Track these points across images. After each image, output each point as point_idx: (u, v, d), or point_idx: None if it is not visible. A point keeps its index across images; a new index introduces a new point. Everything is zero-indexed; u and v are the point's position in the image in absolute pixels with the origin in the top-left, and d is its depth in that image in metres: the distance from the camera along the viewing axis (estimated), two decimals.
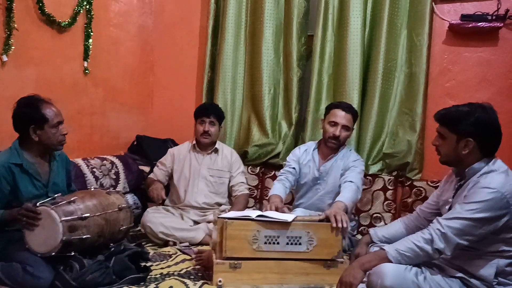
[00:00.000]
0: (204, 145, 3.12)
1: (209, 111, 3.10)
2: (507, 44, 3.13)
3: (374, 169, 3.32)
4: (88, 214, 2.10)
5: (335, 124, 2.76)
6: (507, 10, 3.02)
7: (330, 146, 2.82)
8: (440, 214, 2.06)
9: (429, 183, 3.14)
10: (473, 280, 1.80)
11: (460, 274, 1.82)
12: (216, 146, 3.17)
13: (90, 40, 3.11)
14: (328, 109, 2.85)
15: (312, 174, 2.86)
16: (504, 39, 3.13)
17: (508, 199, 1.73)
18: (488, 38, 3.16)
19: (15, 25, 2.50)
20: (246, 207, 3.13)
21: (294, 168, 2.88)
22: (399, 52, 3.28)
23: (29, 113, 2.16)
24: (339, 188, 2.67)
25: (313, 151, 2.91)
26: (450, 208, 1.95)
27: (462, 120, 1.85)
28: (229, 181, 3.16)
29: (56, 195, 2.15)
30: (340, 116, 2.76)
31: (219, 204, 3.11)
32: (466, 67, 3.22)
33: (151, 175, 3.18)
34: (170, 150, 3.24)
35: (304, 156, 2.92)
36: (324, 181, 2.84)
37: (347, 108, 2.81)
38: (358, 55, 3.25)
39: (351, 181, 2.61)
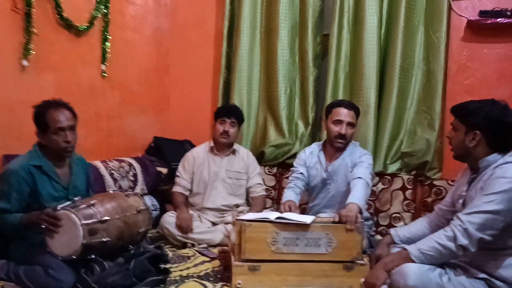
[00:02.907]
0: (222, 145, 3.12)
1: (231, 112, 3.12)
2: None
3: (392, 168, 3.28)
4: (108, 217, 2.11)
5: (339, 122, 2.75)
6: None
7: (337, 146, 2.81)
8: (455, 211, 2.04)
9: (449, 182, 3.09)
10: (497, 282, 1.77)
11: (483, 275, 1.80)
12: (234, 147, 3.17)
13: (107, 44, 3.13)
14: (330, 108, 2.85)
15: (320, 175, 2.85)
16: None
17: None
18: (507, 33, 3.10)
19: (35, 30, 2.53)
20: (263, 208, 3.13)
21: (301, 173, 2.87)
22: (416, 49, 3.24)
23: (35, 118, 2.18)
24: (349, 185, 2.65)
25: (318, 153, 2.90)
26: (464, 202, 1.94)
27: (473, 113, 1.89)
28: (246, 182, 3.16)
29: (75, 198, 2.17)
30: (344, 113, 2.75)
31: (237, 206, 3.11)
32: (485, 63, 3.17)
33: (176, 189, 3.12)
34: (188, 154, 3.21)
35: (310, 158, 2.90)
36: (334, 180, 2.83)
37: (349, 105, 2.81)
38: (375, 53, 3.22)
39: (360, 177, 2.59)
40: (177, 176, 3.16)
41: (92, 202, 2.13)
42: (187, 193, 3.13)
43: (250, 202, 3.17)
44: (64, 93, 2.77)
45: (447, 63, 3.16)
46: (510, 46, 3.12)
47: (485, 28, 3.11)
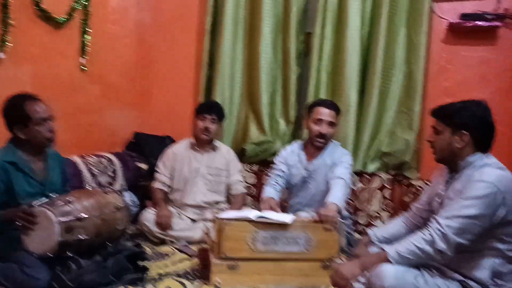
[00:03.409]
0: (203, 142, 3.11)
1: (212, 108, 3.11)
2: (506, 43, 3.13)
3: (372, 167, 3.32)
4: (85, 215, 2.09)
5: (320, 121, 2.77)
6: (506, 10, 3.01)
7: (317, 145, 2.83)
8: (433, 211, 2.07)
9: (426, 182, 3.14)
10: (471, 283, 1.80)
11: (458, 277, 1.83)
12: (215, 144, 3.16)
13: (87, 37, 3.08)
14: (311, 107, 2.87)
15: (301, 173, 2.87)
16: (503, 38, 3.13)
17: (504, 194, 1.73)
18: (487, 37, 3.16)
19: (12, 22, 2.48)
20: (243, 206, 3.13)
21: (282, 170, 2.89)
22: (398, 50, 3.27)
23: (13, 113, 2.14)
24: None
25: (299, 151, 2.91)
26: (441, 202, 1.95)
27: (458, 113, 1.87)
28: (227, 179, 3.15)
29: (52, 195, 2.14)
30: (325, 113, 2.78)
31: (217, 202, 3.11)
32: (465, 66, 3.22)
33: (156, 185, 3.10)
34: (168, 150, 3.19)
35: (291, 156, 2.92)
36: (314, 179, 2.85)
37: (331, 105, 2.84)
38: (357, 53, 3.25)
39: (339, 177, 2.61)
40: (157, 172, 3.14)
41: (69, 199, 2.10)
42: (166, 189, 3.11)
43: (230, 199, 3.16)
44: (42, 86, 2.73)
45: (427, 64, 3.21)
46: (490, 49, 3.17)
47: (465, 31, 3.16)
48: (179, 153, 3.14)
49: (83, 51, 3.08)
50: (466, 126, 1.85)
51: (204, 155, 3.13)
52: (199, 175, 3.08)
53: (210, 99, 3.56)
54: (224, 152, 3.19)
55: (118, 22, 3.46)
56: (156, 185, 3.10)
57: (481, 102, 1.89)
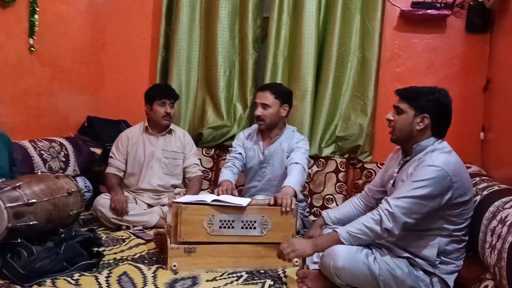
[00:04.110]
0: (163, 127, 3.08)
1: (169, 93, 3.08)
2: (454, 31, 3.26)
3: (327, 151, 3.39)
4: (35, 200, 2.03)
5: (255, 104, 2.83)
6: None
7: (259, 128, 2.88)
8: (385, 191, 2.15)
9: (379, 165, 3.26)
10: (418, 260, 1.90)
11: (406, 254, 1.92)
12: (170, 127, 3.13)
13: (36, 16, 2.94)
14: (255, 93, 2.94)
15: (258, 157, 2.90)
16: (451, 26, 3.26)
17: (451, 176, 1.82)
18: (437, 25, 3.28)
19: None
20: (200, 189, 3.14)
21: (240, 153, 2.92)
22: (353, 37, 3.34)
23: None
24: (286, 169, 2.71)
25: (256, 135, 2.94)
26: (394, 183, 2.04)
27: (424, 96, 1.94)
28: (183, 162, 3.14)
29: (0, 180, 2.06)
30: (258, 96, 2.86)
31: (174, 186, 3.09)
32: (415, 53, 3.34)
33: (110, 170, 3.04)
34: (122, 134, 3.13)
35: (248, 140, 2.95)
36: (270, 164, 2.88)
37: (265, 86, 2.93)
38: (313, 39, 3.28)
39: (296, 162, 2.66)
40: (111, 157, 3.08)
41: (18, 184, 2.04)
42: (121, 174, 3.06)
43: (186, 183, 3.15)
44: None
45: (380, 51, 3.29)
46: (439, 37, 3.29)
47: (416, 18, 3.26)
48: (134, 137, 3.09)
49: (31, 31, 2.94)
50: (429, 110, 1.92)
51: (159, 138, 3.09)
52: (154, 158, 3.05)
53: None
54: (180, 135, 3.17)
55: (69, 2, 3.32)
56: (110, 170, 3.04)
57: (445, 91, 1.97)
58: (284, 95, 2.85)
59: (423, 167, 1.86)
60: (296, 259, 2.23)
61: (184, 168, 3.13)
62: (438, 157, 1.86)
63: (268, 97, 2.80)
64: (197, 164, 3.18)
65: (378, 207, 1.92)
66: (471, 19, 3.17)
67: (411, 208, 1.84)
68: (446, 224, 1.90)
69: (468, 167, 2.41)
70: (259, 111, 2.80)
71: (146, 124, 3.10)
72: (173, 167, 3.10)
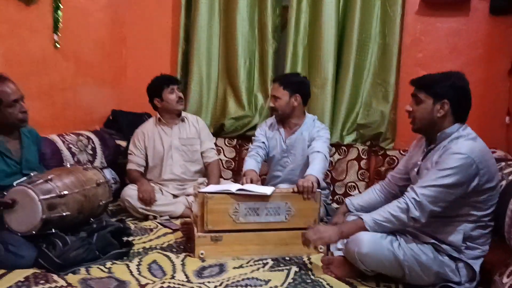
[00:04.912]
0: (177, 113, 3.11)
1: (173, 79, 3.12)
2: (477, 14, 3.20)
3: (348, 139, 3.39)
4: (67, 192, 2.10)
5: (270, 97, 2.86)
6: None
7: (276, 119, 2.93)
8: (409, 179, 2.15)
9: (401, 152, 3.24)
10: (443, 246, 1.90)
11: (432, 240, 1.92)
12: (182, 115, 3.16)
13: (60, 12, 3.00)
14: None
15: (280, 147, 2.93)
16: (475, 9, 3.20)
17: (477, 163, 1.81)
18: (459, 8, 3.22)
19: None
20: (220, 173, 3.19)
21: (263, 142, 2.95)
22: (373, 23, 3.31)
23: None
24: (308, 159, 2.72)
25: (278, 125, 2.96)
26: (418, 171, 2.03)
27: (440, 83, 1.92)
28: (200, 147, 3.16)
29: (32, 174, 2.14)
30: (271, 88, 2.91)
31: (196, 172, 3.14)
32: (438, 37, 3.29)
33: (130, 166, 3.08)
34: (137, 130, 3.15)
35: (270, 129, 2.98)
36: (292, 154, 2.90)
37: (275, 78, 2.98)
38: (333, 26, 3.27)
39: (318, 151, 2.67)
40: (129, 154, 3.12)
41: (49, 177, 2.10)
42: (141, 169, 3.10)
43: (205, 169, 3.18)
44: (14, 64, 2.67)
45: (401, 36, 3.25)
46: (461, 20, 3.23)
47: (438, 2, 3.21)
48: (149, 131, 3.12)
49: (55, 27, 3.00)
50: (448, 96, 1.90)
51: (174, 128, 3.12)
52: (173, 148, 3.08)
53: (188, 75, 3.57)
54: (193, 121, 3.20)
55: None
56: (131, 166, 3.08)
57: (461, 73, 1.95)
58: (293, 85, 2.85)
59: (449, 155, 1.84)
60: (321, 246, 2.25)
61: (201, 153, 3.16)
62: (463, 144, 1.85)
63: (277, 89, 2.82)
64: (213, 148, 3.21)
65: (404, 195, 1.92)
66: (495, 1, 3.10)
67: (437, 196, 1.84)
68: (472, 210, 1.89)
69: (493, 152, 2.37)
70: (270, 103, 2.87)
71: (159, 116, 3.13)
72: (192, 153, 3.13)
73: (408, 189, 1.93)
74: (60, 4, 3.00)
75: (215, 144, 3.47)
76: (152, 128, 3.13)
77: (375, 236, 1.90)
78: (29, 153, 2.32)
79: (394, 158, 3.25)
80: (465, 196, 1.85)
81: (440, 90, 1.91)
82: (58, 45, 3.04)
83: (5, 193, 2.03)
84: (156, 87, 3.08)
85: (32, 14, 2.84)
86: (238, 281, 1.97)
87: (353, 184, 3.33)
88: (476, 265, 1.90)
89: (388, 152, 3.30)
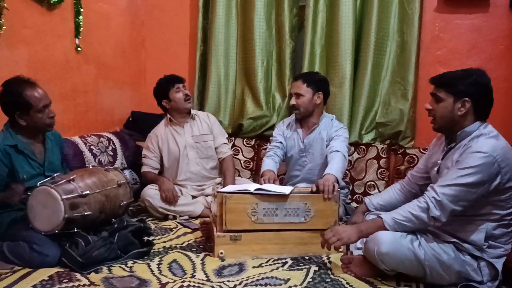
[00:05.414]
0: (187, 111, 3.11)
1: (176, 78, 3.11)
2: (497, 10, 3.15)
3: (367, 138, 3.37)
4: (88, 192, 2.14)
5: (290, 95, 2.86)
6: None
7: (297, 118, 2.92)
8: (429, 178, 2.13)
9: (421, 150, 3.21)
10: (465, 245, 1.88)
11: (453, 239, 1.90)
12: (192, 112, 3.16)
13: (81, 17, 3.06)
14: None
15: (297, 146, 2.93)
16: (495, 5, 3.15)
17: (499, 162, 1.78)
18: (479, 4, 3.17)
19: (5, 4, 2.46)
20: (234, 168, 3.19)
21: (281, 142, 2.95)
22: (391, 21, 3.28)
23: (13, 100, 2.15)
24: (326, 158, 2.72)
25: (296, 125, 2.96)
26: (438, 170, 2.00)
27: (460, 80, 1.89)
28: (213, 143, 3.17)
29: (55, 175, 2.19)
30: (292, 86, 2.92)
31: (212, 169, 3.15)
32: (457, 34, 3.24)
33: (146, 169, 3.10)
34: (150, 134, 3.17)
35: (288, 129, 2.98)
36: (310, 153, 2.90)
37: (297, 76, 2.96)
38: (350, 25, 3.25)
39: (337, 151, 2.67)
40: (144, 157, 3.14)
41: (71, 177, 2.15)
42: (156, 172, 3.12)
43: (221, 167, 3.19)
44: (38, 68, 2.74)
45: (420, 34, 3.22)
46: (481, 17, 3.18)
47: None
48: (161, 133, 3.13)
49: (77, 31, 3.07)
50: (469, 94, 1.87)
51: (185, 127, 3.13)
52: (187, 146, 3.10)
53: (206, 76, 3.61)
54: (204, 118, 3.20)
55: (110, 0, 3.44)
56: (146, 168, 3.11)
57: (482, 70, 1.91)
58: (317, 82, 2.85)
59: (470, 154, 1.81)
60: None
61: (215, 148, 3.16)
62: (484, 143, 1.82)
63: (300, 86, 2.82)
64: (226, 143, 3.20)
65: (424, 194, 1.90)
66: None
67: (458, 195, 1.81)
68: (494, 209, 1.86)
69: None
70: (293, 101, 2.85)
71: (169, 117, 3.14)
72: (206, 149, 3.14)
73: (428, 188, 1.91)
74: (81, 9, 3.06)
75: (234, 144, 3.49)
76: (164, 130, 3.14)
77: (395, 235, 1.88)
78: (52, 155, 2.38)
79: (414, 156, 3.22)
80: (487, 195, 1.83)
81: (462, 88, 1.88)
82: (79, 49, 3.11)
83: (28, 193, 2.08)
84: (162, 89, 3.10)
85: (55, 19, 2.91)
86: (257, 280, 1.98)
87: (372, 183, 3.30)
88: (499, 264, 1.87)
89: (407, 151, 3.26)
